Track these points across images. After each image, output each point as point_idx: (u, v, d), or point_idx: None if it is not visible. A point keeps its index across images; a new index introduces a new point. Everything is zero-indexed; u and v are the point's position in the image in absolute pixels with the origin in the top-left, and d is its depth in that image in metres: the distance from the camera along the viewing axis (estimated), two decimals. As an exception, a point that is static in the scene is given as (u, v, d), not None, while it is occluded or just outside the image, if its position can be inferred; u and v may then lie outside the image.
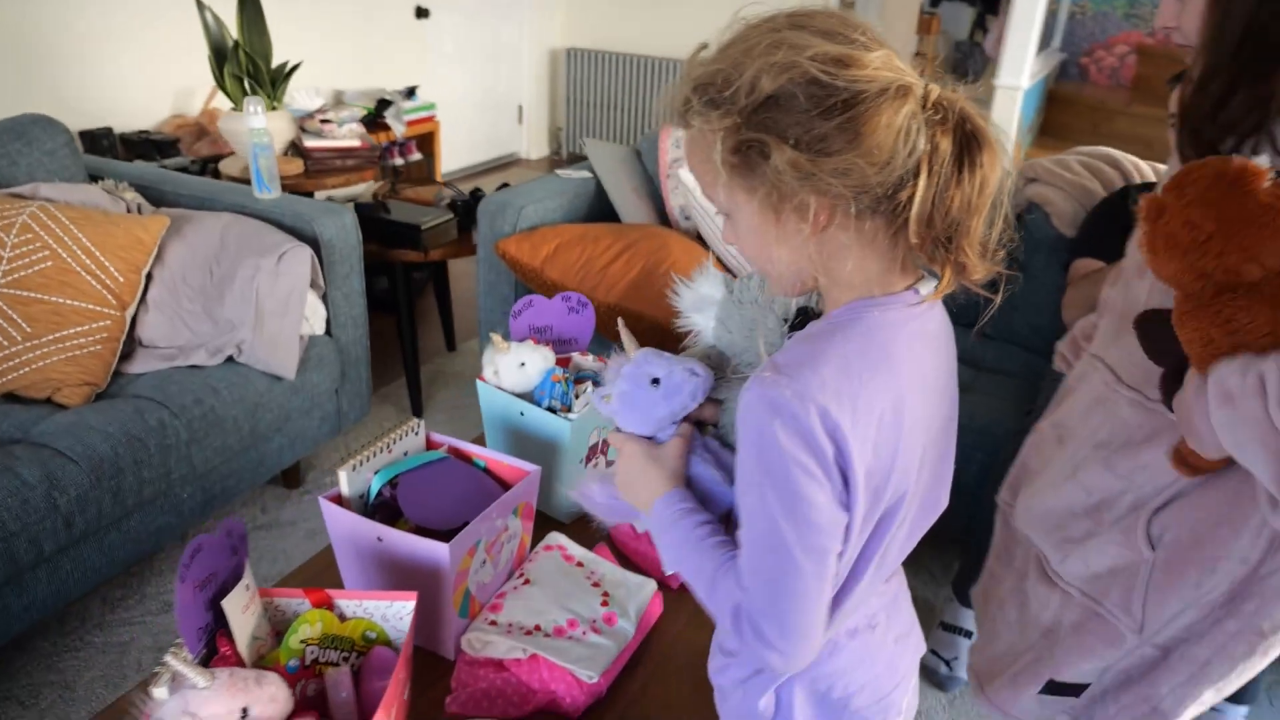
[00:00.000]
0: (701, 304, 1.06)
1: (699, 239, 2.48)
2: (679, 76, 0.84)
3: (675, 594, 1.42)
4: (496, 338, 1.59)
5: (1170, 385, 1.13)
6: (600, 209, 2.69)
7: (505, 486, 1.40)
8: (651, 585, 1.38)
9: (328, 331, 2.27)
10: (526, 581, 1.36)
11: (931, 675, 2.00)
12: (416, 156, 4.20)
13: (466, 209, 2.77)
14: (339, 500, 1.30)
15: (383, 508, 1.33)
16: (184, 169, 2.99)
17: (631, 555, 1.51)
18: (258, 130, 2.20)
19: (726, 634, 0.99)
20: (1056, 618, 1.34)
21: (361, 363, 2.40)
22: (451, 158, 5.31)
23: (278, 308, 2.03)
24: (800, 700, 0.93)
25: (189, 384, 1.97)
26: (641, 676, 1.28)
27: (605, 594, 1.36)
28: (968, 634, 1.99)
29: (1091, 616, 1.29)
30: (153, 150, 3.30)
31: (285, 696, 0.96)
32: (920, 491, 0.86)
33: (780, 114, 0.75)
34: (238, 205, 2.24)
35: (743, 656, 0.96)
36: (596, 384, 1.59)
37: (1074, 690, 1.35)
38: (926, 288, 0.83)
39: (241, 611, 1.03)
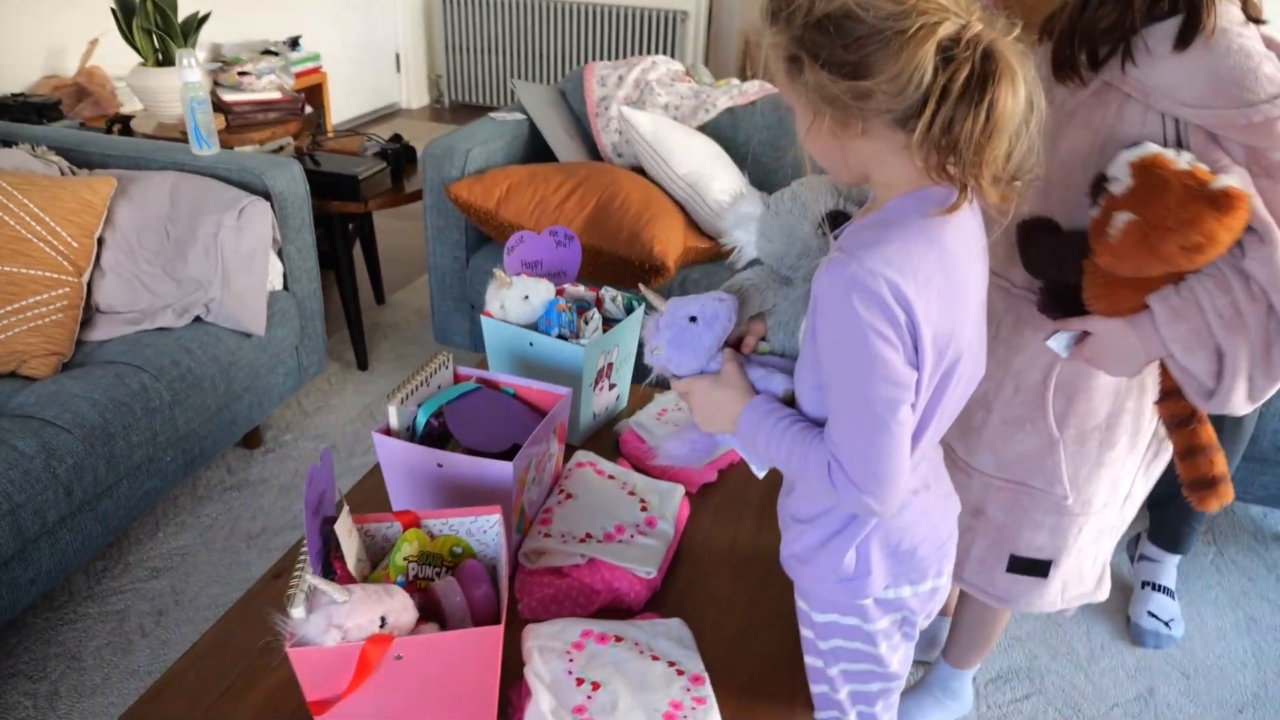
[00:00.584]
0: (742, 221, 1.16)
1: (641, 173, 2.56)
2: None
3: (699, 497, 1.54)
4: (499, 273, 1.65)
5: (1049, 303, 1.29)
6: (536, 150, 2.73)
7: (535, 409, 1.48)
8: (680, 489, 1.50)
9: (285, 286, 2.26)
10: (569, 496, 1.45)
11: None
12: (308, 110, 4.08)
13: (397, 157, 2.76)
14: (387, 433, 1.35)
15: (427, 437, 1.39)
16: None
17: (647, 468, 1.61)
18: (193, 84, 2.14)
19: (801, 500, 1.11)
20: (980, 499, 1.48)
21: (317, 316, 2.40)
22: (333, 111, 5.16)
23: (243, 264, 2.01)
24: (876, 554, 1.07)
25: (162, 346, 1.94)
26: (684, 571, 1.40)
27: (642, 500, 1.46)
28: None
29: (1023, 494, 1.44)
30: (33, 113, 3.11)
31: (412, 605, 1.03)
32: (971, 355, 1.00)
33: (821, 37, 0.86)
34: (176, 164, 2.18)
35: (820, 521, 1.09)
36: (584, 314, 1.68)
37: (1041, 568, 1.49)
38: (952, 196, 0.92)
39: (348, 535, 1.09)
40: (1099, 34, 1.19)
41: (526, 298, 1.65)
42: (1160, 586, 2.08)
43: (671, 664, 1.17)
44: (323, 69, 4.39)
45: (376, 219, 3.78)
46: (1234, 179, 1.10)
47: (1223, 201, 1.06)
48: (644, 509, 1.45)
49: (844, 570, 1.09)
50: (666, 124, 2.48)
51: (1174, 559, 2.08)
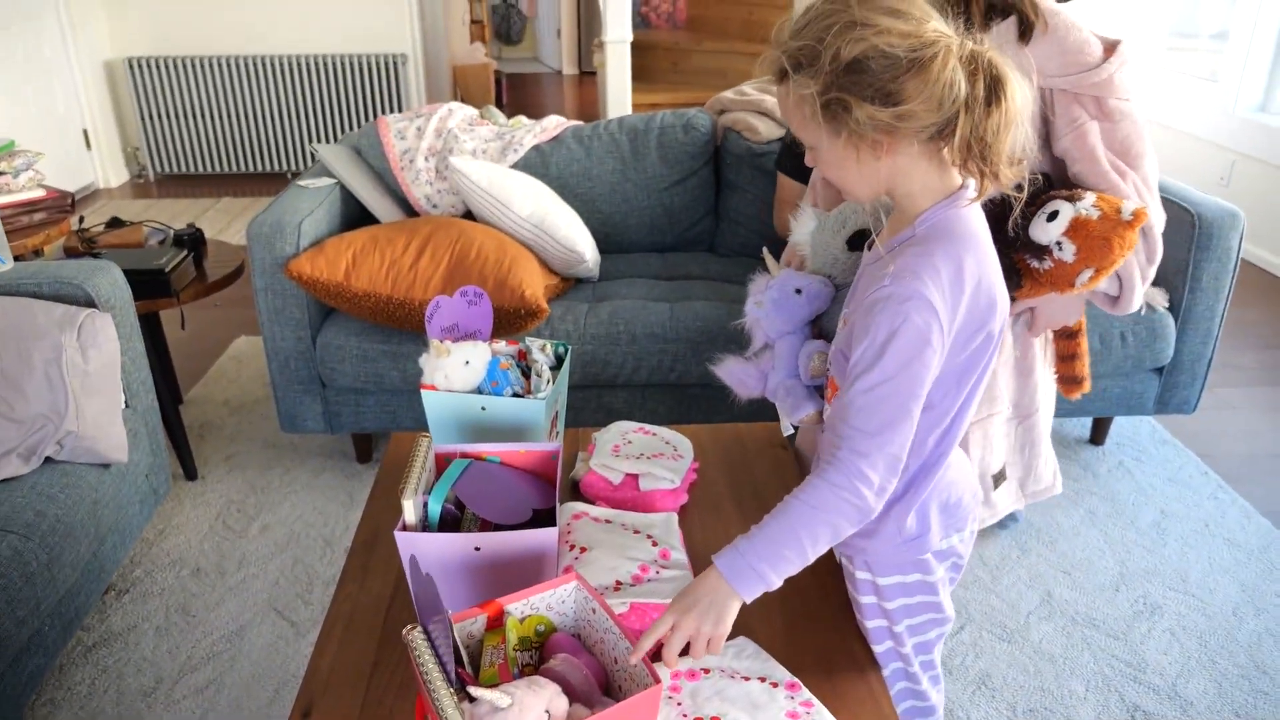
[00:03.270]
0: (805, 234, 1.33)
1: (471, 219, 2.53)
2: (771, 49, 1.05)
3: (682, 518, 1.59)
4: (437, 344, 1.60)
5: None
6: (351, 213, 2.62)
7: (527, 472, 1.45)
8: (673, 516, 1.54)
9: (127, 404, 2.01)
10: (583, 549, 1.45)
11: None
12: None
13: (195, 243, 2.53)
14: (405, 529, 1.28)
15: (444, 525, 1.33)
16: None
17: (619, 505, 1.63)
18: (-24, 198, 1.85)
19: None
20: None
21: (158, 431, 2.16)
22: (26, 202, 4.56)
23: (95, 386, 1.78)
24: (934, 511, 1.22)
25: (18, 500, 1.67)
26: (709, 591, 1.44)
27: (649, 536, 1.49)
28: None
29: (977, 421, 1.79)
30: None
31: (559, 691, 1.01)
32: (1000, 336, 1.15)
33: (858, 77, 1.00)
34: (-35, 289, 1.88)
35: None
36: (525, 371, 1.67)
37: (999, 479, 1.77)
38: (971, 192, 1.11)
39: (460, 643, 1.04)
40: None
41: (468, 363, 1.62)
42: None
43: (763, 679, 1.23)
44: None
45: (171, 313, 3.41)
46: (1129, 191, 1.50)
47: (1139, 217, 1.38)
48: (654, 544, 1.47)
49: (908, 531, 1.22)
50: (498, 170, 2.48)
51: None
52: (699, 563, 1.48)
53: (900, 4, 1.02)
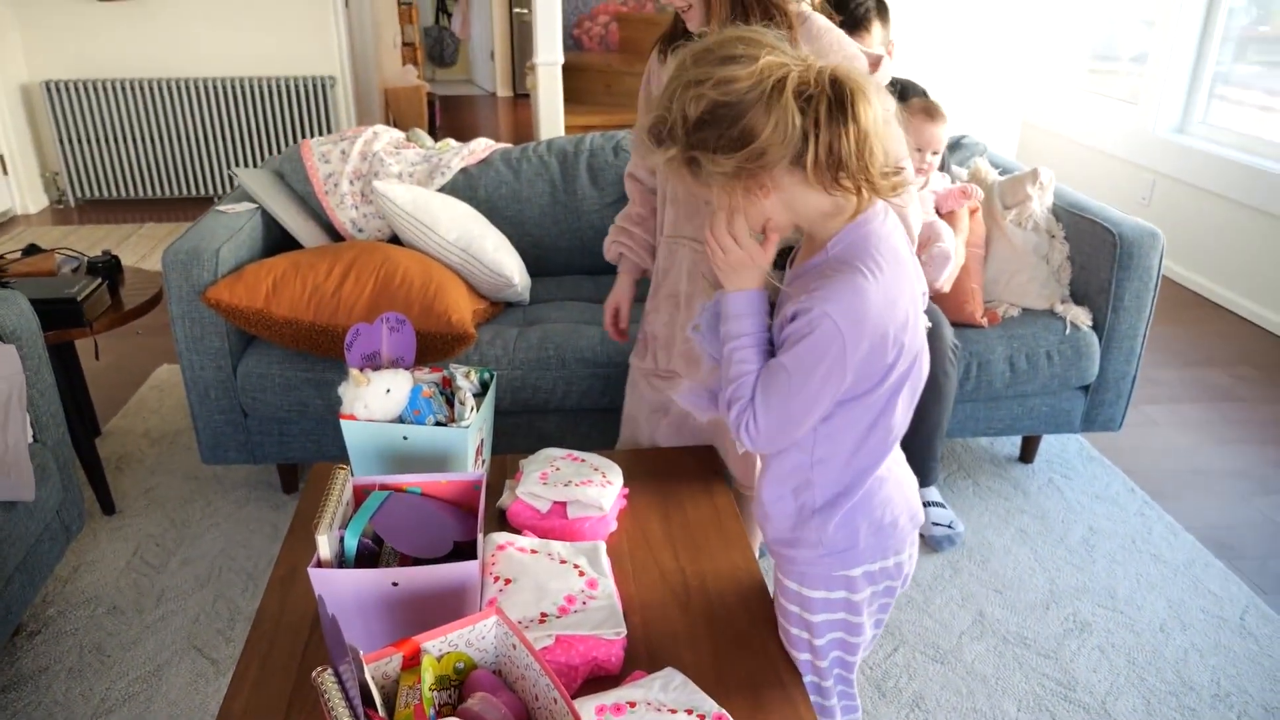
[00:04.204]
0: None
1: (397, 244, 2.49)
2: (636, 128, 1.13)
3: (611, 546, 1.56)
4: (356, 373, 1.56)
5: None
6: (273, 239, 2.56)
7: (448, 502, 1.42)
8: (602, 545, 1.51)
9: (35, 438, 1.93)
10: (507, 581, 1.41)
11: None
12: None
13: (109, 270, 2.45)
14: (319, 565, 1.23)
15: (361, 560, 1.29)
16: None
17: (547, 534, 1.60)
18: None
19: (773, 482, 1.24)
20: None
21: (69, 467, 2.07)
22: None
23: (-3, 422, 1.70)
24: (864, 528, 1.22)
25: (-88, 543, 1.59)
26: (637, 620, 1.42)
27: (575, 565, 1.46)
28: None
29: None
30: None
31: (479, 733, 0.98)
32: (923, 341, 1.18)
33: (706, 132, 1.04)
34: None
35: (800, 498, 1.22)
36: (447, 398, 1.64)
37: None
38: (880, 208, 1.13)
39: (370, 682, 1.00)
40: None
41: (389, 391, 1.58)
42: (930, 503, 2.45)
43: (689, 711, 1.20)
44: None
45: (85, 343, 3.29)
46: None
47: None
48: (581, 574, 1.44)
49: (831, 543, 1.22)
50: (423, 193, 2.44)
51: (929, 488, 2.46)
52: (628, 593, 1.45)
53: (734, 48, 1.05)
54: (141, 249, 4.64)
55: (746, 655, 1.33)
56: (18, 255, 2.59)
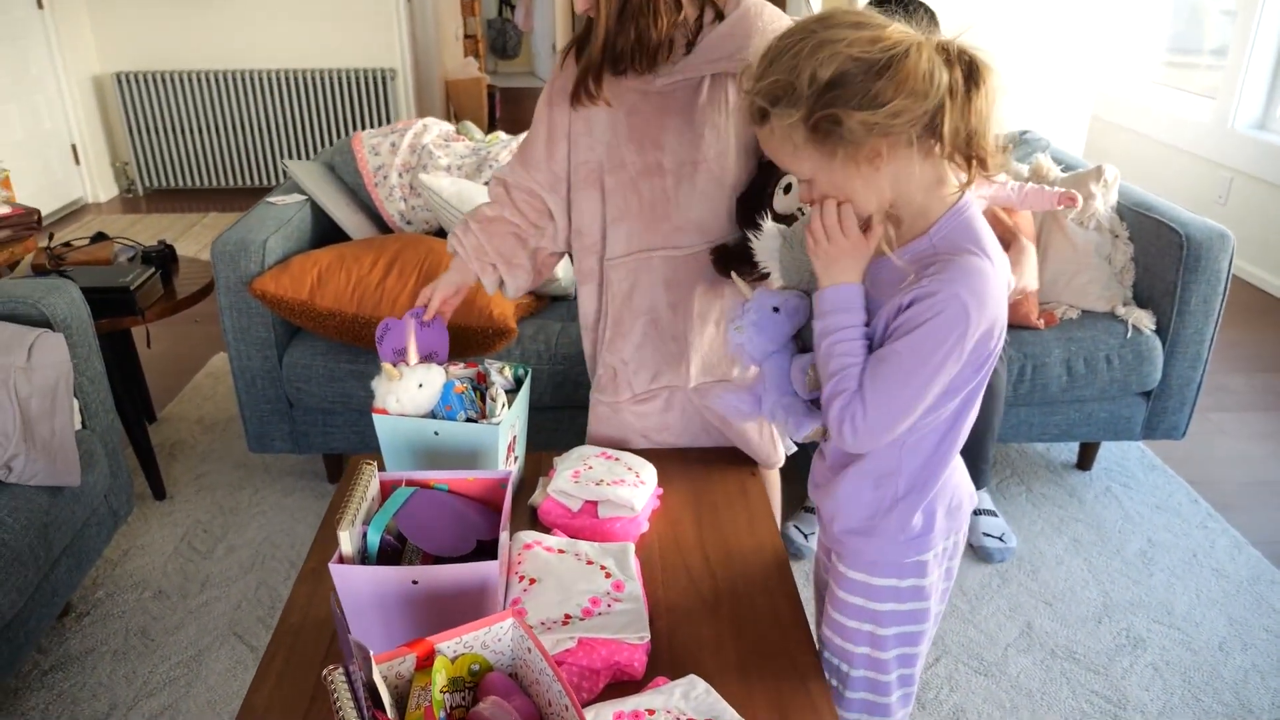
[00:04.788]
0: (770, 253, 1.30)
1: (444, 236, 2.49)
2: (743, 98, 1.09)
3: (640, 548, 1.53)
4: (389, 367, 1.55)
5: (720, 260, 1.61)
6: (323, 229, 2.58)
7: (475, 500, 1.40)
8: (630, 546, 1.49)
9: (84, 424, 1.97)
10: (532, 581, 1.39)
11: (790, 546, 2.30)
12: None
13: (163, 260, 2.50)
14: (342, 561, 1.23)
15: (384, 557, 1.28)
16: None
17: (577, 533, 1.58)
18: (-71, 213, 1.82)
19: (858, 476, 1.23)
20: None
21: (118, 453, 2.11)
22: (13, 217, 4.54)
23: (44, 408, 1.74)
24: (940, 512, 1.23)
25: (-38, 524, 1.63)
26: (664, 624, 1.39)
27: (602, 567, 1.44)
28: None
29: None
30: None
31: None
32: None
33: (840, 90, 1.02)
34: (-82, 308, 1.84)
35: (884, 487, 1.22)
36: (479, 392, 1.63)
37: None
38: (970, 197, 1.13)
39: (382, 683, 0.99)
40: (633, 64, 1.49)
41: (421, 386, 1.57)
42: (981, 510, 2.37)
43: (710, 720, 1.17)
44: (7, 172, 3.85)
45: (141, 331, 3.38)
46: None
47: None
48: (607, 575, 1.42)
49: (911, 530, 1.22)
50: (468, 186, 2.44)
51: (980, 494, 2.37)
52: (655, 596, 1.43)
53: (859, 16, 1.04)
54: (205, 238, 4.75)
55: (773, 665, 1.29)
56: (86, 242, 2.65)
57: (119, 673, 1.97)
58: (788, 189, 1.50)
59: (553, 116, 1.62)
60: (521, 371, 1.70)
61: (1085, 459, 2.70)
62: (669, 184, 1.57)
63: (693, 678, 1.24)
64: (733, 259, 1.59)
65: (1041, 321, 2.42)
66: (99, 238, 2.68)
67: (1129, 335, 2.38)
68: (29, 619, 1.76)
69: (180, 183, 5.53)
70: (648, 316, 1.68)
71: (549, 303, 2.54)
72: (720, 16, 1.51)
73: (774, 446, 1.80)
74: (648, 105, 1.54)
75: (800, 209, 1.42)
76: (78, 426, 1.93)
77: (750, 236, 1.36)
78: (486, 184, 2.64)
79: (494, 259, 1.68)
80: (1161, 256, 2.39)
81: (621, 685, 1.28)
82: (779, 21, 1.51)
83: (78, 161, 5.28)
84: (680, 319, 1.66)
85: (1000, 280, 1.09)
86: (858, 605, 1.28)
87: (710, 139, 1.53)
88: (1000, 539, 2.32)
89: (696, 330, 1.67)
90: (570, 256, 1.74)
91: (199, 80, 5.27)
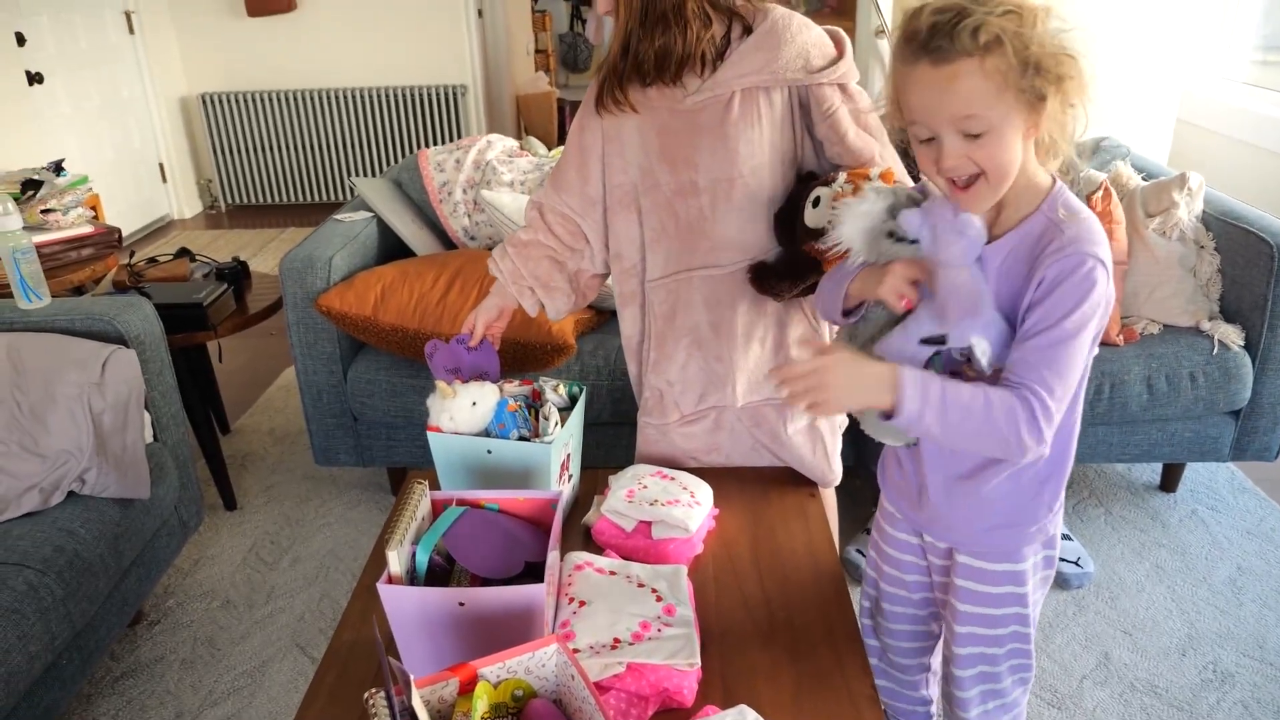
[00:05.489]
0: (855, 232, 1.26)
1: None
2: (947, 31, 1.04)
3: (694, 570, 1.50)
4: (443, 385, 1.56)
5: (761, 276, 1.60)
6: (388, 246, 2.62)
7: (526, 520, 1.39)
8: (683, 569, 1.46)
9: (155, 438, 2.02)
10: (581, 603, 1.38)
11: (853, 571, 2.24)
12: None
13: (236, 276, 2.56)
14: (390, 581, 1.23)
15: (432, 577, 1.28)
16: None
17: (630, 554, 1.56)
18: (13, 233, 1.89)
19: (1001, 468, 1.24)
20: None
21: (189, 465, 2.16)
22: (104, 233, 4.73)
23: (117, 423, 1.79)
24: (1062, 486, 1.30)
25: (39, 534, 1.68)
26: (715, 650, 1.36)
27: (653, 590, 1.41)
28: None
29: None
30: None
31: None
32: None
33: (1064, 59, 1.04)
34: (4, 323, 1.92)
35: (1024, 476, 1.24)
36: (534, 411, 1.62)
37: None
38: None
39: (423, 709, 0.98)
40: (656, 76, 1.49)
41: (474, 404, 1.57)
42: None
43: (759, 754, 1.13)
44: (94, 191, 4.01)
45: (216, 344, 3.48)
46: (877, 154, 1.53)
47: (887, 176, 1.42)
48: (659, 599, 1.39)
49: (1049, 506, 1.28)
50: (527, 201, 2.44)
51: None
52: (707, 621, 1.40)
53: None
54: (283, 252, 4.87)
55: (829, 696, 1.25)
56: (170, 257, 2.74)
57: (186, 681, 2.02)
58: (816, 202, 1.47)
59: (584, 140, 1.61)
60: (577, 389, 1.69)
61: (1169, 480, 2.57)
62: (705, 202, 1.55)
63: (743, 708, 1.21)
64: (772, 276, 1.58)
65: (1121, 338, 2.32)
66: (182, 253, 2.77)
67: (1215, 351, 2.27)
68: (100, 626, 1.81)
69: (261, 199, 5.70)
70: (690, 337, 1.66)
71: (609, 317, 2.53)
72: (748, 31, 1.49)
73: (829, 464, 1.75)
74: (679, 123, 1.52)
75: (829, 222, 1.38)
76: (149, 440, 1.98)
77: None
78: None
79: (530, 282, 1.68)
80: (1250, 268, 2.27)
81: (670, 713, 1.25)
82: (809, 30, 1.50)
83: (164, 179, 5.48)
84: (723, 338, 1.64)
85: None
86: (1002, 594, 1.31)
87: (745, 154, 1.51)
88: (1077, 563, 2.22)
89: (740, 349, 1.65)
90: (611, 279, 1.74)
91: (279, 100, 5.43)
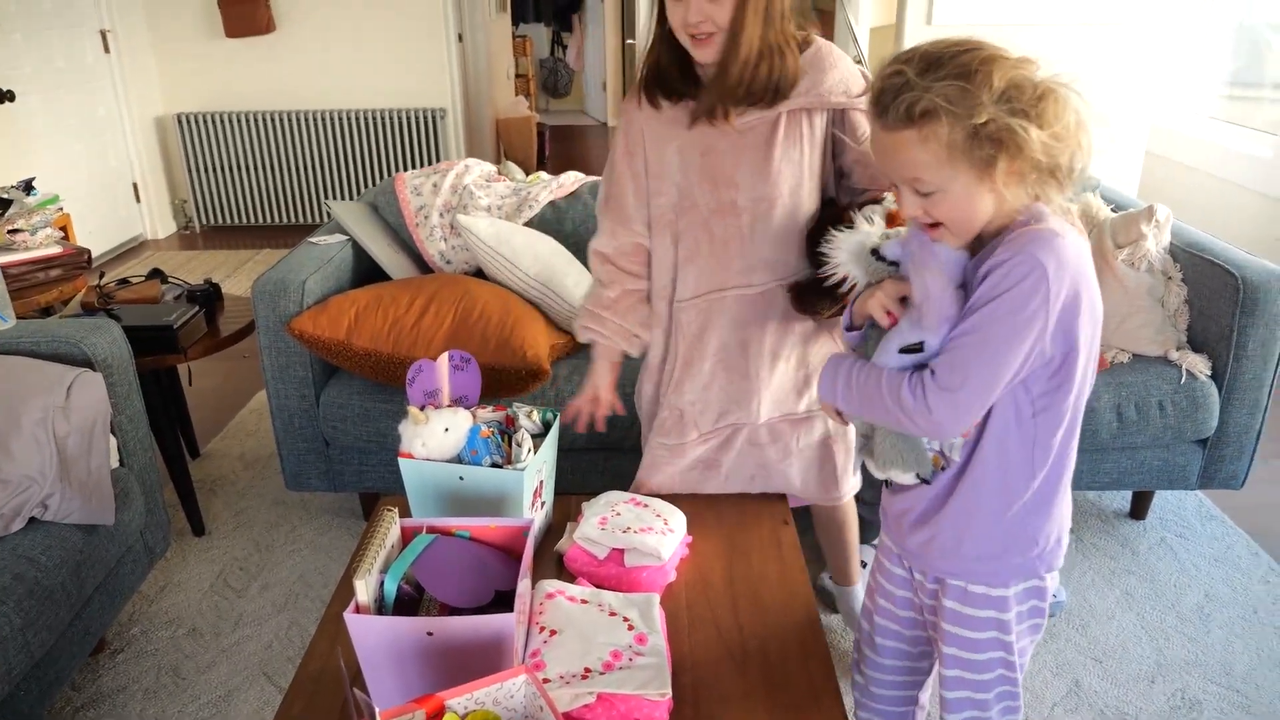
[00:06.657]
0: (848, 256, 1.33)
1: (481, 277, 2.50)
2: (898, 96, 1.07)
3: (666, 599, 1.50)
4: (415, 411, 1.55)
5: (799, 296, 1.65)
6: (363, 269, 2.60)
7: (496, 548, 1.38)
8: (655, 597, 1.45)
9: (121, 462, 1.99)
10: (552, 632, 1.37)
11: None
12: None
13: (208, 299, 2.54)
14: (358, 611, 1.22)
15: (400, 606, 1.27)
16: None
17: (602, 581, 1.55)
18: (-21, 255, 1.87)
19: (993, 493, 1.25)
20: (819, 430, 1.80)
21: (156, 490, 2.13)
22: (75, 253, 4.68)
23: (81, 447, 1.76)
24: (1054, 534, 1.29)
25: (-3, 562, 1.65)
26: (688, 679, 1.35)
27: (625, 618, 1.40)
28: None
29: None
30: None
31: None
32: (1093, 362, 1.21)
33: (1011, 105, 1.04)
34: (-35, 346, 1.89)
35: (1017, 498, 1.24)
36: (507, 436, 1.61)
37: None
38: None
39: (388, 742, 0.97)
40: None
41: (447, 430, 1.56)
42: None
43: (730, 786, 1.12)
44: (65, 210, 3.96)
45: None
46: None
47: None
48: (630, 627, 1.39)
49: (1044, 540, 1.28)
50: (505, 226, 2.45)
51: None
52: (680, 650, 1.39)
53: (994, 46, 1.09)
54: (258, 274, 4.84)
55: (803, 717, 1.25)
56: (142, 278, 2.71)
57: (149, 711, 1.98)
58: (868, 219, 1.51)
59: (633, 166, 1.67)
60: (550, 415, 1.69)
61: (1139, 508, 2.60)
62: (744, 222, 1.60)
63: (714, 739, 1.20)
64: (812, 295, 1.62)
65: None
66: (154, 274, 2.74)
67: (1183, 381, 2.30)
68: (60, 657, 1.77)
69: (236, 220, 5.67)
70: (717, 356, 1.70)
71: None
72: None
73: (835, 480, 1.82)
74: (724, 143, 1.57)
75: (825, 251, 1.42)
76: (115, 464, 1.95)
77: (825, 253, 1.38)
78: (527, 224, 2.67)
79: (635, 330, 1.75)
80: (1216, 299, 2.31)
81: (640, 744, 1.24)
82: (846, 59, 1.58)
83: (138, 199, 5.43)
84: (751, 357, 1.69)
85: (1083, 250, 1.11)
86: (984, 618, 1.32)
87: (787, 174, 1.57)
88: (1053, 594, 2.22)
89: (767, 367, 1.70)
90: None
91: (256, 121, 5.41)
